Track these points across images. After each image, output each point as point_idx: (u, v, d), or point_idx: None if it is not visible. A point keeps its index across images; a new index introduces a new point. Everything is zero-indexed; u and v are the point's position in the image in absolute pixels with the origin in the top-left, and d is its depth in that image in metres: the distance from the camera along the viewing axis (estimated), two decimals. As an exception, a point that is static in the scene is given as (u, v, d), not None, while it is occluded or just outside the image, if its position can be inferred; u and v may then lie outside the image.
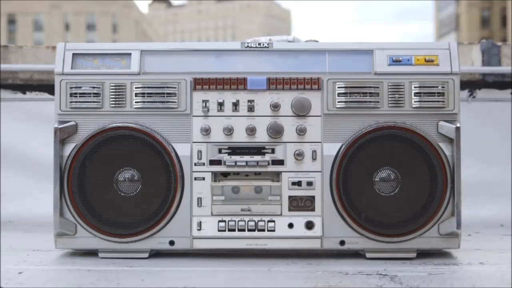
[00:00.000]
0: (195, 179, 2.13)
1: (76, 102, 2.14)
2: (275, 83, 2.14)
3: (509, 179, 2.94)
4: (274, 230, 2.12)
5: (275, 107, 2.13)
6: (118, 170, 2.12)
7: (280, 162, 2.14)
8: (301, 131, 2.13)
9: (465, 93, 3.15)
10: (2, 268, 1.95)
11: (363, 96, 2.13)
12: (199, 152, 2.13)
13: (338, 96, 2.13)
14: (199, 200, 2.13)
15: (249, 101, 2.14)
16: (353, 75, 2.14)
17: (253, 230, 2.12)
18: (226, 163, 2.13)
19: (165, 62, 2.17)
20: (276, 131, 2.13)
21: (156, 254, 2.17)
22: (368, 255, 2.13)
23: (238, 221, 2.12)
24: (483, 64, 3.21)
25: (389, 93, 2.13)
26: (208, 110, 2.14)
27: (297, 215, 2.13)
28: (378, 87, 2.13)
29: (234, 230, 2.12)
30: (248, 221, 2.12)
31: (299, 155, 2.12)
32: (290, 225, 2.12)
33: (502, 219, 2.94)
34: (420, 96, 2.13)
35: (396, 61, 2.15)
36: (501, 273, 1.90)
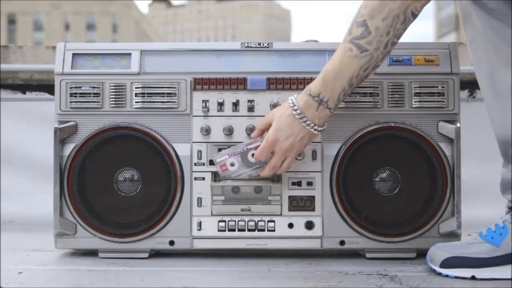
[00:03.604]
0: (195, 179, 2.13)
1: (76, 102, 2.14)
2: (275, 83, 2.14)
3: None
4: (274, 230, 2.12)
5: (275, 107, 2.13)
6: (118, 170, 2.12)
7: (280, 162, 2.13)
8: (301, 131, 2.12)
9: (465, 93, 3.14)
10: (2, 268, 1.95)
11: (363, 96, 2.13)
12: (199, 152, 2.13)
13: (338, 96, 2.13)
14: (199, 200, 2.13)
15: (249, 101, 2.14)
16: (353, 75, 2.14)
17: (253, 230, 2.12)
18: (226, 163, 2.13)
19: (165, 62, 2.17)
20: (276, 131, 2.12)
21: (156, 254, 2.17)
22: (368, 255, 2.13)
23: (238, 221, 2.12)
24: (483, 64, 3.20)
25: (389, 93, 2.13)
26: (208, 110, 2.14)
27: (297, 215, 2.13)
28: (378, 87, 2.13)
29: (234, 230, 2.12)
30: (248, 221, 2.12)
31: (299, 155, 2.12)
32: (290, 225, 2.12)
33: (502, 219, 2.94)
34: (420, 96, 2.13)
35: (396, 61, 2.15)
36: (501, 273, 1.90)
